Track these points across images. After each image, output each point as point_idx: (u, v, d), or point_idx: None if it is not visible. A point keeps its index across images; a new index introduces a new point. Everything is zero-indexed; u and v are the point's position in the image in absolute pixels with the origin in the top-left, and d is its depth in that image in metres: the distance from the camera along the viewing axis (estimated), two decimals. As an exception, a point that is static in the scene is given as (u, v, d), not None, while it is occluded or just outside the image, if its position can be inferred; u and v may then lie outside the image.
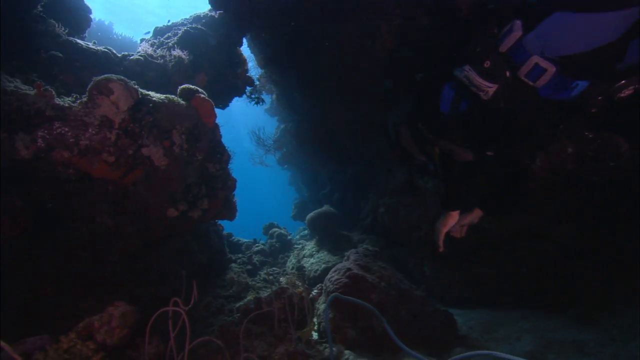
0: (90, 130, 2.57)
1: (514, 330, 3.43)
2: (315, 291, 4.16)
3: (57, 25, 3.46)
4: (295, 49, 6.12)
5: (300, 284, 3.96)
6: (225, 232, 7.42)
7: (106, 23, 8.38)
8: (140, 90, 2.93)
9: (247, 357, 2.67)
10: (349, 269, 3.79)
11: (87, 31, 6.69)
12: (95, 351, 2.00)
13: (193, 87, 3.41)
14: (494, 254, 4.26)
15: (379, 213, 6.18)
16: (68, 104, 2.60)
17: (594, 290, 3.47)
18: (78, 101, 2.67)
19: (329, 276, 3.90)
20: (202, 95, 3.36)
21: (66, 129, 2.51)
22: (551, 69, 1.68)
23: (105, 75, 2.58)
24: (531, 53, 1.73)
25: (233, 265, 6.39)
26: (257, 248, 7.37)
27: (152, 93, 3.02)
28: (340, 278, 3.72)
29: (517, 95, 1.81)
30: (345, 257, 4.40)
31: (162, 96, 3.09)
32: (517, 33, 1.76)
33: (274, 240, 7.94)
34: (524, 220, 3.69)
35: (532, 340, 3.13)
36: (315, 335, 3.66)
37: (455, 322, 3.55)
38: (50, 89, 2.54)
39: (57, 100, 2.57)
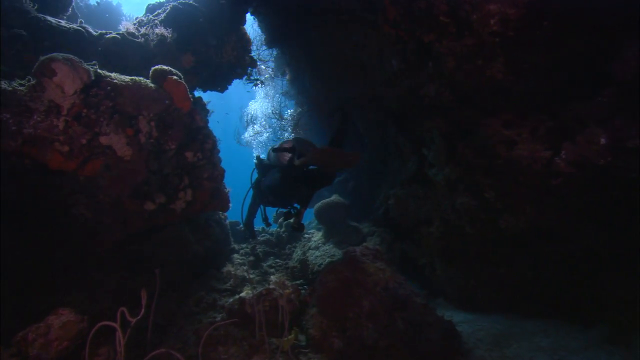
0: (35, 117, 2.30)
1: (528, 348, 2.98)
2: (306, 292, 3.83)
3: (25, 1, 3.20)
4: (304, 24, 5.68)
5: (289, 284, 3.64)
6: (230, 221, 7.20)
7: (114, 4, 8.18)
8: (99, 71, 2.62)
9: (209, 373, 2.38)
10: (341, 272, 3.42)
11: (86, 11, 6.47)
12: (19, 370, 1.75)
13: (166, 68, 3.08)
14: (512, 255, 3.77)
15: (389, 205, 5.73)
16: (12, 87, 2.33)
17: (625, 304, 2.94)
18: (27, 84, 2.39)
19: (320, 277, 3.56)
20: (175, 78, 3.02)
21: (7, 116, 2.24)
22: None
23: (50, 55, 2.29)
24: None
25: (235, 255, 6.15)
26: (262, 238, 7.11)
27: (113, 74, 2.71)
28: (331, 281, 3.37)
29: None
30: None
31: (127, 78, 2.77)
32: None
33: (282, 229, 7.64)
34: (544, 220, 3.18)
35: (547, 364, 2.69)
36: (302, 339, 3.35)
37: (457, 335, 3.13)
38: (-11, 70, 2.27)
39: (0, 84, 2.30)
